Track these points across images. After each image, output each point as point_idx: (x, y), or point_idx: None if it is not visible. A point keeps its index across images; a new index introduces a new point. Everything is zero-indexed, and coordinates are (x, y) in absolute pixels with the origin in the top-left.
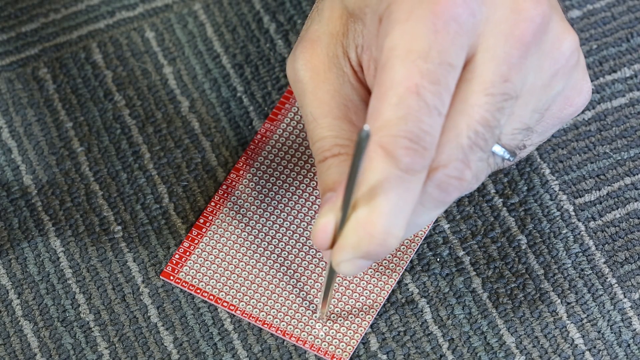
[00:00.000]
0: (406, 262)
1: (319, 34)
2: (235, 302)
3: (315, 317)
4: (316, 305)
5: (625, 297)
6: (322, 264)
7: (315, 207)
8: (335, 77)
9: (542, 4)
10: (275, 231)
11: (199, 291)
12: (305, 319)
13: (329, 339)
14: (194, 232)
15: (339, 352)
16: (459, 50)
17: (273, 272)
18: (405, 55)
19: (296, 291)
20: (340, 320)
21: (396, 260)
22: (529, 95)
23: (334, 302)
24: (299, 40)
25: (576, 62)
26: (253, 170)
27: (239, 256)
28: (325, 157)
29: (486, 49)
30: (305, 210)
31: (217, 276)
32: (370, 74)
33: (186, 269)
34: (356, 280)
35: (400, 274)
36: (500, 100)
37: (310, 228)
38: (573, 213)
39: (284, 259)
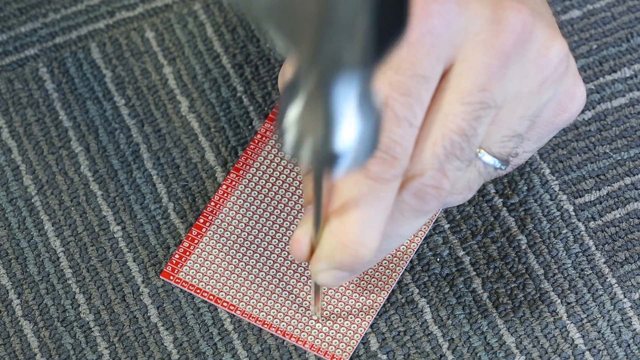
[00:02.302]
0: (406, 262)
1: None
2: (235, 302)
3: (314, 317)
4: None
5: (625, 297)
6: None
7: None
8: None
9: (523, 13)
10: (276, 231)
11: (198, 291)
12: (305, 319)
13: (328, 339)
14: (193, 232)
15: (338, 352)
16: (434, 62)
17: (273, 272)
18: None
19: (296, 291)
20: (340, 321)
21: (396, 260)
22: (515, 102)
23: (334, 302)
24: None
25: (566, 68)
26: (253, 170)
27: (239, 256)
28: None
29: (464, 59)
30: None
31: (217, 276)
32: None
33: (186, 269)
34: (356, 280)
35: (400, 274)
36: (477, 109)
37: None
38: (573, 213)
39: (284, 259)
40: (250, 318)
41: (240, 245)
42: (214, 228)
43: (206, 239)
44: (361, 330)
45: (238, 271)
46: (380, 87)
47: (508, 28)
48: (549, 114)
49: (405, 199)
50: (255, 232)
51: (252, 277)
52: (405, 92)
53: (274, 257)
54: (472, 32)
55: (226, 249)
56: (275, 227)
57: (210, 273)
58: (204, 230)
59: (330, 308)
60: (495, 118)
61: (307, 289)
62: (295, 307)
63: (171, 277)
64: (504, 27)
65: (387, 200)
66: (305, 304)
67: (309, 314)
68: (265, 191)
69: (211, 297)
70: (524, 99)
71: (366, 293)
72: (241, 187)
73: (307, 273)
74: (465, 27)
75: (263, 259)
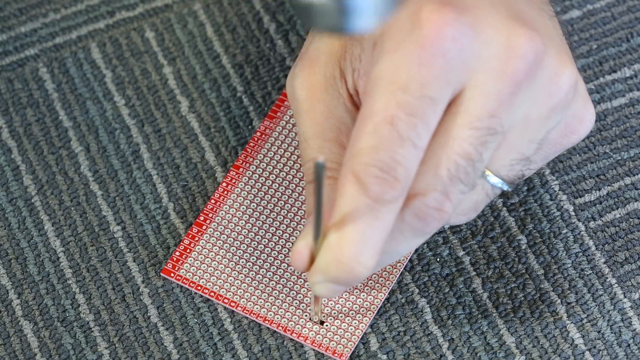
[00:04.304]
0: (406, 261)
1: (318, 53)
2: (236, 298)
3: (314, 319)
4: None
5: (625, 297)
6: None
7: None
8: (331, 99)
9: (536, 41)
10: (276, 228)
11: (199, 288)
12: (305, 315)
13: (329, 334)
14: (194, 229)
15: (340, 347)
16: (444, 85)
17: (273, 268)
18: (386, 85)
19: (297, 287)
20: (341, 317)
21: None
22: (523, 127)
23: (335, 298)
24: (300, 57)
25: (575, 93)
26: (253, 168)
27: (240, 253)
28: (312, 179)
29: (476, 84)
30: (304, 207)
31: (217, 273)
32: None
33: (186, 266)
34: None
35: (400, 273)
36: (484, 134)
37: None
38: (573, 213)
39: (285, 255)
40: (252, 314)
41: (240, 242)
42: (214, 225)
43: (206, 237)
44: (362, 327)
45: (239, 268)
46: (388, 106)
47: (521, 56)
48: (556, 136)
49: (406, 219)
50: (255, 229)
51: (252, 274)
52: (412, 113)
53: (274, 254)
54: (485, 58)
55: (226, 246)
56: (276, 224)
57: (210, 270)
58: (204, 227)
59: (332, 304)
60: (504, 142)
61: (307, 285)
62: (295, 303)
63: (172, 275)
64: (516, 55)
65: (386, 221)
66: (306, 300)
67: (309, 310)
68: (265, 189)
69: (212, 293)
70: (533, 124)
71: (367, 289)
72: (241, 185)
73: None
74: (478, 53)
75: (264, 256)
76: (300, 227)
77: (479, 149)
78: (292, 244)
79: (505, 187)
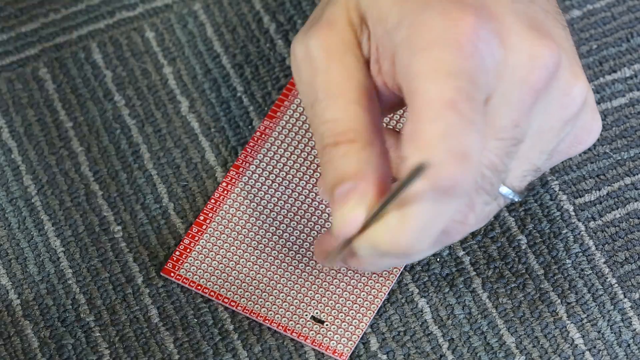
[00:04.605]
0: None
1: (335, 17)
2: (237, 298)
3: (327, 264)
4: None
5: (625, 297)
6: None
7: (314, 203)
8: (350, 61)
9: (556, 51)
10: (276, 227)
11: (199, 287)
12: (306, 315)
13: (330, 334)
14: (194, 229)
15: (340, 347)
16: (483, 82)
17: (274, 268)
18: (434, 74)
19: (297, 287)
20: (342, 316)
21: None
22: (537, 138)
23: (335, 297)
24: (313, 20)
25: (585, 105)
26: (253, 168)
27: (240, 252)
28: (338, 140)
29: (502, 93)
30: (305, 206)
31: (217, 273)
32: (384, 76)
33: (187, 266)
34: (357, 277)
35: (400, 273)
36: (509, 145)
37: (310, 224)
38: (573, 213)
39: (285, 255)
40: (252, 314)
41: (240, 242)
42: (214, 225)
43: (207, 236)
44: (362, 326)
45: (239, 268)
46: (443, 91)
47: (543, 66)
48: (565, 146)
49: None
50: (255, 228)
51: (253, 274)
52: (470, 97)
53: (274, 253)
54: (510, 66)
55: (227, 246)
56: (276, 223)
57: (211, 270)
58: (204, 227)
59: (332, 304)
60: (518, 153)
61: (307, 284)
62: (296, 302)
63: (172, 274)
64: (539, 65)
65: (448, 214)
66: (307, 300)
67: (310, 309)
68: (265, 188)
69: (212, 293)
70: (546, 135)
71: (367, 289)
72: (241, 185)
73: (307, 269)
74: (504, 60)
75: (264, 256)
76: (300, 226)
77: (504, 159)
78: (293, 243)
79: (516, 198)
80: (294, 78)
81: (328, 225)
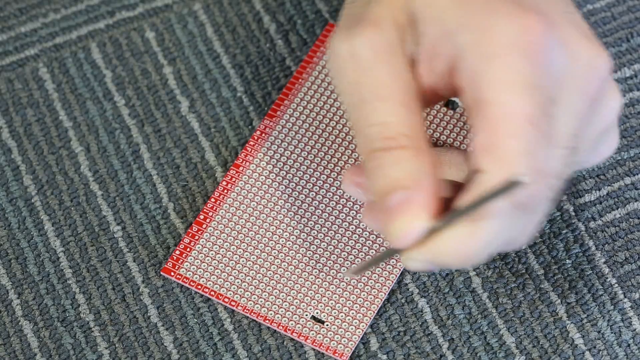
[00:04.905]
0: None
1: (380, 17)
2: (237, 297)
3: (341, 274)
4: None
5: (625, 297)
6: (323, 259)
7: (315, 203)
8: (397, 62)
9: (608, 61)
10: (276, 227)
11: (199, 287)
12: (306, 315)
13: (330, 334)
14: (194, 228)
15: (340, 347)
16: (554, 95)
17: (274, 267)
18: (512, 86)
19: (297, 287)
20: (342, 316)
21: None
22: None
23: (335, 297)
24: (354, 19)
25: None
26: (253, 167)
27: (240, 252)
28: (389, 146)
29: (566, 102)
30: (305, 206)
31: (217, 272)
32: (432, 78)
33: (187, 265)
34: (357, 276)
35: (400, 273)
36: (569, 154)
37: (310, 223)
38: (573, 213)
39: (285, 254)
40: (252, 314)
41: (241, 241)
42: (214, 224)
43: (207, 235)
44: (363, 326)
45: (239, 267)
46: (523, 105)
47: (599, 75)
48: (591, 156)
49: None
50: (255, 228)
51: (253, 273)
52: (545, 113)
53: (274, 252)
54: (572, 75)
55: (227, 245)
56: (276, 223)
57: (211, 269)
58: (204, 226)
59: (332, 304)
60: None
61: (308, 284)
62: (296, 302)
63: (172, 274)
64: (597, 74)
65: (519, 227)
66: (307, 300)
67: (310, 309)
68: (265, 187)
69: (212, 292)
70: (584, 145)
71: (367, 289)
72: (241, 184)
73: (308, 269)
74: (567, 69)
75: (264, 255)
76: (300, 225)
77: (566, 169)
78: (293, 242)
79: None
80: (334, 76)
81: (328, 224)
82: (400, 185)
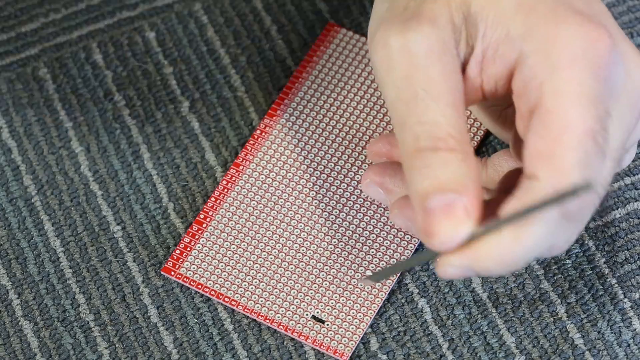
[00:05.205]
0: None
1: (437, 14)
2: (237, 297)
3: (358, 281)
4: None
5: (625, 297)
6: (323, 259)
7: (315, 202)
8: (450, 62)
9: None
10: (276, 226)
11: (200, 286)
12: (306, 314)
13: (330, 334)
14: (194, 227)
15: (341, 347)
16: (611, 109)
17: (274, 267)
18: (576, 98)
19: (297, 286)
20: (342, 316)
21: (397, 256)
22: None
23: (336, 297)
24: (406, 14)
25: None
26: (253, 166)
27: (240, 251)
28: (438, 146)
29: (619, 116)
30: (305, 205)
31: (218, 271)
32: (487, 85)
33: (187, 265)
34: (357, 276)
35: (400, 273)
36: (616, 165)
37: (311, 223)
38: None
39: (285, 254)
40: (252, 313)
41: (241, 240)
42: (214, 224)
43: (207, 235)
44: (363, 326)
45: (239, 266)
46: (586, 119)
47: None
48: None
49: None
50: (256, 227)
51: (253, 272)
52: (604, 127)
53: (275, 252)
54: (626, 89)
55: (227, 244)
56: (276, 222)
57: (211, 268)
58: (204, 225)
59: (332, 303)
60: None
61: (308, 284)
62: (296, 302)
63: (172, 273)
64: None
65: (564, 237)
66: (307, 299)
67: (310, 309)
68: (265, 186)
69: (212, 292)
70: (621, 158)
71: (367, 289)
72: (241, 183)
73: (308, 268)
74: (624, 84)
75: (264, 254)
76: (301, 225)
77: (610, 179)
78: (293, 242)
79: None
80: (380, 68)
81: (328, 223)
82: (448, 187)
